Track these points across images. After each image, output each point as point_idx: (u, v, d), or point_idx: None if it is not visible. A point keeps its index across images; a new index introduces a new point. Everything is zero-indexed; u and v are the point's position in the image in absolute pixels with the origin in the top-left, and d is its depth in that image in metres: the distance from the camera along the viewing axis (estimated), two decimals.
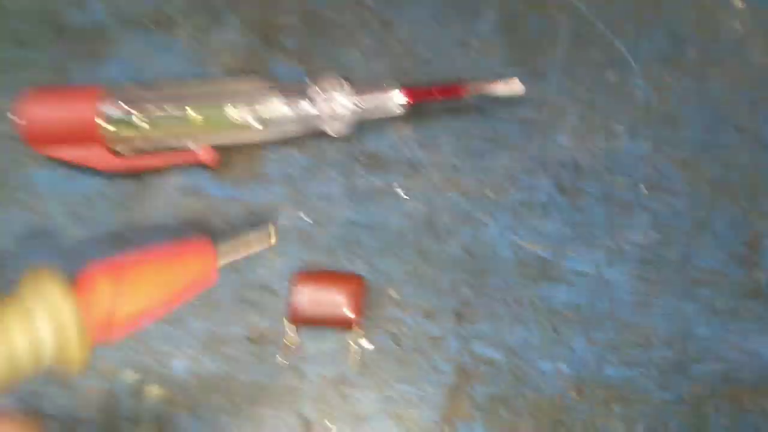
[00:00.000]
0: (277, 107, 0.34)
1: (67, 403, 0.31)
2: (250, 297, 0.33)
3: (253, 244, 0.27)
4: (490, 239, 0.34)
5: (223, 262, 0.23)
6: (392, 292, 0.33)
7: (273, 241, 0.29)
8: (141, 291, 0.18)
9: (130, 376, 0.31)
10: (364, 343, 0.32)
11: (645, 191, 0.35)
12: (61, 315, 0.16)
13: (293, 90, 0.34)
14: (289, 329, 0.31)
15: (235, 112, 0.34)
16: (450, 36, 0.39)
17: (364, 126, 0.36)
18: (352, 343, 0.31)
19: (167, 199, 0.35)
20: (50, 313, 0.16)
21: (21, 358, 0.16)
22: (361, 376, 0.31)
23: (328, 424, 0.30)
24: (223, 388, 0.31)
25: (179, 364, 0.31)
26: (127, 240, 0.34)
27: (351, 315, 0.30)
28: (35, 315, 0.16)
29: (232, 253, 0.25)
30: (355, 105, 0.34)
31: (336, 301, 0.31)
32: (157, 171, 0.35)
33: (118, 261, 0.19)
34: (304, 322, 0.31)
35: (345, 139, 0.36)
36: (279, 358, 0.31)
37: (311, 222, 0.34)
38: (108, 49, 0.38)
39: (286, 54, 0.38)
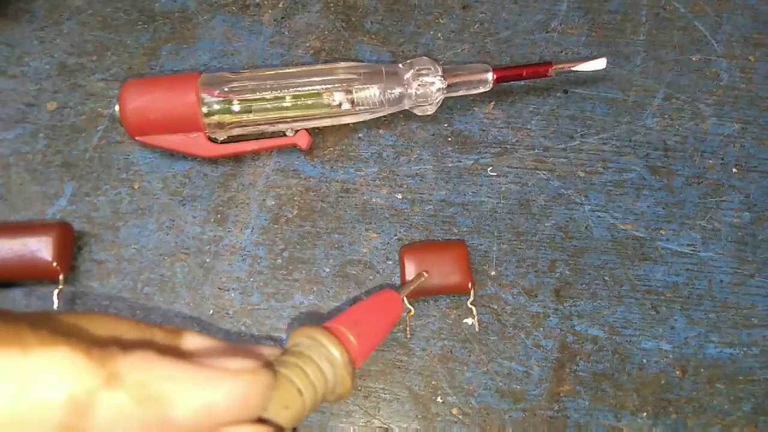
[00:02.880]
0: (370, 90, 0.36)
1: None
2: (351, 272, 0.34)
3: (419, 280, 0.31)
4: (584, 219, 0.36)
5: (403, 296, 0.30)
6: (491, 270, 0.34)
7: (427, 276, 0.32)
8: (370, 335, 0.26)
9: None
10: (468, 320, 0.33)
11: (735, 171, 0.37)
12: (340, 364, 0.23)
13: (386, 72, 0.36)
14: (407, 302, 0.32)
15: (330, 97, 0.35)
16: (530, 17, 0.41)
17: (451, 107, 0.38)
18: (470, 305, 0.32)
19: (264, 178, 0.36)
20: (331, 362, 0.23)
21: (317, 397, 0.23)
22: (467, 352, 0.33)
23: (437, 399, 0.32)
24: None
25: (286, 338, 0.33)
26: (224, 216, 0.35)
27: (461, 280, 0.32)
28: (321, 362, 0.23)
29: (408, 290, 0.31)
30: (446, 85, 0.36)
31: (446, 268, 0.32)
32: (253, 154, 0.36)
33: (352, 316, 0.26)
34: (418, 294, 0.32)
35: (433, 119, 0.38)
36: (402, 334, 0.32)
37: (405, 201, 0.36)
38: (196, 33, 0.40)
39: (369, 36, 0.40)
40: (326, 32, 0.40)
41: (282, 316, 0.33)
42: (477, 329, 0.33)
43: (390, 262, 0.34)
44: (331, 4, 0.41)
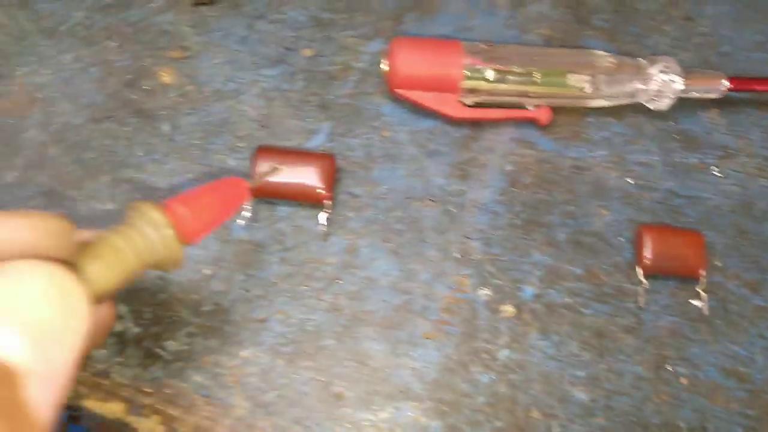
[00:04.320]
0: (613, 80, 0.39)
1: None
2: (586, 242, 0.37)
3: (269, 175, 0.34)
4: None
5: (252, 186, 0.31)
6: (716, 261, 0.37)
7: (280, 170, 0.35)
8: (206, 211, 0.26)
9: (485, 294, 0.35)
10: (696, 302, 0.36)
11: None
12: (160, 225, 0.24)
13: (632, 65, 0.40)
14: (641, 276, 0.35)
15: (575, 80, 0.39)
16: (749, 36, 0.44)
17: (676, 107, 0.41)
18: (700, 290, 0.35)
19: (502, 145, 0.40)
20: (152, 224, 0.23)
21: (138, 257, 0.23)
22: (694, 331, 0.35)
23: (666, 366, 0.34)
24: (567, 318, 0.35)
25: (528, 290, 0.36)
26: (466, 173, 0.39)
27: (695, 266, 0.35)
28: (142, 226, 0.23)
29: (256, 182, 0.33)
30: (684, 86, 0.39)
31: (682, 252, 0.35)
32: (494, 122, 0.40)
33: (188, 193, 0.27)
34: (653, 270, 0.35)
35: (660, 115, 0.41)
36: (633, 303, 0.35)
37: (635, 186, 0.39)
38: (437, 6, 0.44)
39: (597, 31, 0.44)
40: (557, 22, 0.44)
41: (521, 270, 0.36)
42: (706, 312, 0.35)
43: (621, 239, 0.37)
44: None
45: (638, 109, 0.41)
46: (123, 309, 0.34)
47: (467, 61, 0.38)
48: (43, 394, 0.17)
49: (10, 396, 0.16)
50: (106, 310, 0.25)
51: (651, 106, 0.40)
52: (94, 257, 0.21)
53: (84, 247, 0.22)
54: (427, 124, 0.40)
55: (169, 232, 0.24)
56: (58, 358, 0.18)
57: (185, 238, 0.25)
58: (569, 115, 0.41)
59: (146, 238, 0.23)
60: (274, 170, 0.35)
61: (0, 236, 0.20)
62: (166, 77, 0.41)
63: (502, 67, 0.39)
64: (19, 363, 0.17)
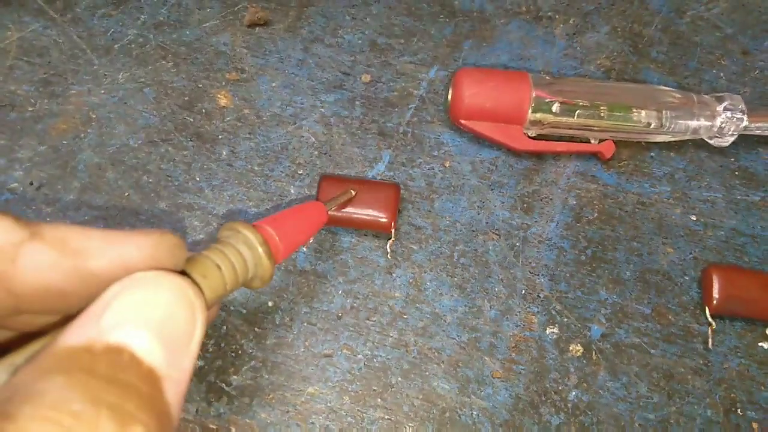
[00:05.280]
0: (679, 116, 0.39)
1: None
2: (652, 280, 0.37)
3: (345, 197, 0.35)
4: None
5: (329, 208, 0.33)
6: None
7: (354, 194, 0.36)
8: (292, 232, 0.28)
9: (553, 332, 0.35)
10: (764, 344, 0.36)
11: None
12: (254, 244, 0.25)
13: (698, 102, 0.40)
14: (710, 317, 0.35)
15: (641, 115, 0.39)
16: None
17: (737, 143, 0.41)
18: None
19: (565, 179, 0.40)
20: (247, 244, 0.25)
21: (234, 274, 0.24)
22: (763, 374, 0.35)
23: (737, 410, 0.34)
24: (636, 359, 0.35)
25: (596, 329, 0.36)
26: (530, 207, 0.39)
27: (765, 308, 0.35)
28: (238, 245, 0.25)
29: (333, 204, 0.34)
30: (748, 123, 0.40)
31: (752, 294, 0.35)
32: (556, 154, 0.40)
33: (275, 216, 0.28)
34: (721, 311, 0.35)
35: (721, 151, 0.41)
36: (701, 344, 0.35)
37: (698, 223, 0.39)
38: (494, 34, 0.44)
39: (655, 64, 0.44)
40: (615, 53, 0.44)
41: (589, 308, 0.36)
42: None
43: (686, 278, 0.37)
44: (619, 29, 0.45)
45: (699, 144, 0.41)
46: None
47: (534, 93, 0.38)
48: (175, 397, 0.18)
49: (157, 396, 0.17)
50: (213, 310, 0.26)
51: (713, 143, 0.41)
52: (200, 275, 0.23)
53: (187, 263, 0.23)
54: (489, 154, 0.40)
55: (262, 251, 0.25)
56: (186, 363, 0.19)
57: (274, 257, 0.26)
58: (631, 148, 0.41)
59: (242, 257, 0.24)
60: (349, 195, 0.35)
61: (127, 251, 0.21)
62: (223, 100, 0.41)
63: (568, 101, 0.39)
64: (160, 367, 0.18)
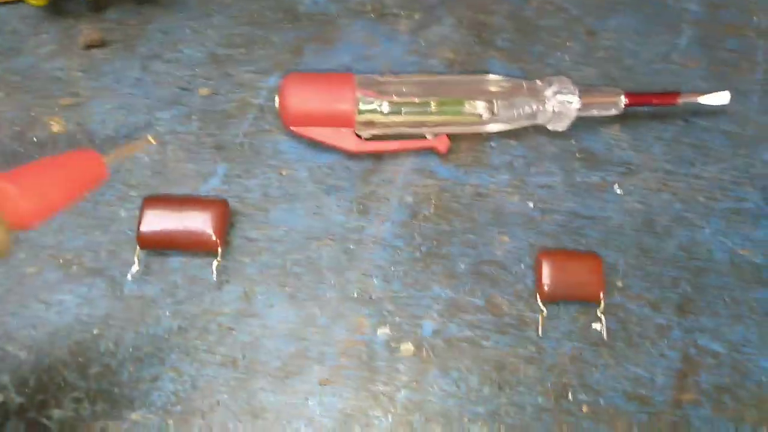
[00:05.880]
0: (509, 104, 0.39)
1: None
2: (486, 271, 0.37)
3: (135, 148, 0.32)
4: (705, 242, 0.39)
5: (109, 162, 0.29)
6: (617, 282, 0.38)
7: (154, 142, 0.32)
8: (42, 189, 0.24)
9: (384, 333, 0.35)
10: (596, 325, 0.36)
11: None
12: None
13: (527, 88, 0.40)
14: (541, 304, 0.36)
15: (472, 107, 0.39)
16: (651, 48, 0.45)
17: (578, 125, 0.41)
18: (599, 314, 0.36)
19: (403, 176, 0.40)
20: None
21: None
22: (596, 355, 0.36)
23: (568, 395, 0.35)
24: (468, 353, 0.35)
25: (428, 326, 0.36)
26: (366, 208, 0.39)
27: (594, 290, 0.35)
28: None
29: (117, 156, 0.30)
30: (581, 105, 0.40)
31: (581, 278, 0.35)
32: (394, 153, 0.40)
33: (26, 168, 0.24)
34: (553, 297, 0.35)
35: (561, 135, 0.42)
36: (534, 332, 0.35)
37: (536, 209, 0.39)
38: (338, 35, 0.44)
39: (500, 53, 0.44)
40: (459, 45, 0.44)
41: (421, 305, 0.36)
42: (605, 336, 0.36)
43: (522, 266, 0.38)
44: (464, 20, 0.45)
45: (540, 130, 0.41)
46: (4, 378, 0.34)
47: (359, 94, 0.38)
48: None
49: None
50: None
51: (550, 127, 0.41)
52: None
53: None
54: (327, 159, 0.40)
55: None
56: None
57: (15, 222, 0.22)
58: (470, 141, 0.41)
59: None
60: (144, 142, 0.32)
61: None
62: (56, 126, 0.40)
63: (396, 99, 0.39)
64: None
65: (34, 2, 0.42)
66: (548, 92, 0.40)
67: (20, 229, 0.23)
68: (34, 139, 0.40)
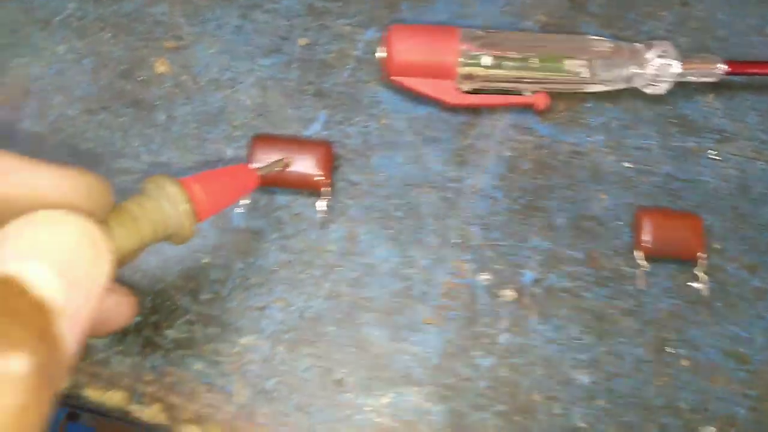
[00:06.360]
0: (610, 64, 0.40)
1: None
2: (585, 226, 0.38)
3: (277, 165, 0.36)
4: None
5: (260, 173, 0.34)
6: (714, 244, 0.38)
7: (288, 164, 0.36)
8: (219, 192, 0.29)
9: (485, 278, 0.36)
10: (695, 284, 0.37)
11: None
12: (177, 200, 0.25)
13: (629, 50, 0.40)
14: (639, 259, 0.36)
15: (571, 65, 0.40)
16: (745, 20, 0.45)
17: (674, 92, 0.42)
18: (699, 273, 0.36)
19: (500, 131, 0.40)
20: (169, 199, 0.25)
21: (153, 228, 0.25)
22: (694, 313, 0.36)
23: (667, 348, 0.35)
24: (568, 302, 0.36)
25: (528, 275, 0.36)
26: (464, 160, 0.39)
27: (693, 249, 0.36)
28: (160, 199, 0.25)
29: (263, 170, 0.35)
30: (681, 70, 0.40)
31: (681, 235, 0.36)
32: (491, 108, 0.41)
33: (205, 174, 0.29)
34: (652, 253, 0.36)
35: (657, 100, 0.42)
36: (632, 286, 0.36)
37: (633, 170, 0.40)
38: None
39: (593, 18, 0.45)
40: (553, 8, 0.45)
41: (521, 255, 0.37)
42: (706, 293, 0.36)
43: (620, 222, 0.38)
44: None
45: (635, 93, 0.42)
46: None
47: (463, 47, 0.39)
48: (69, 331, 0.19)
49: (46, 326, 0.18)
50: (125, 305, 0.27)
51: (648, 91, 0.41)
52: (117, 223, 0.23)
53: (109, 212, 0.24)
54: (425, 111, 0.41)
55: (186, 207, 0.25)
56: (85, 301, 0.20)
57: (198, 215, 0.26)
58: (567, 100, 0.42)
59: (163, 212, 0.25)
60: (283, 164, 0.36)
61: (42, 185, 0.22)
62: (161, 67, 0.42)
63: (498, 53, 0.39)
64: (53, 299, 0.19)
65: None
66: (649, 55, 0.40)
67: (199, 221, 0.27)
68: (140, 79, 0.41)
